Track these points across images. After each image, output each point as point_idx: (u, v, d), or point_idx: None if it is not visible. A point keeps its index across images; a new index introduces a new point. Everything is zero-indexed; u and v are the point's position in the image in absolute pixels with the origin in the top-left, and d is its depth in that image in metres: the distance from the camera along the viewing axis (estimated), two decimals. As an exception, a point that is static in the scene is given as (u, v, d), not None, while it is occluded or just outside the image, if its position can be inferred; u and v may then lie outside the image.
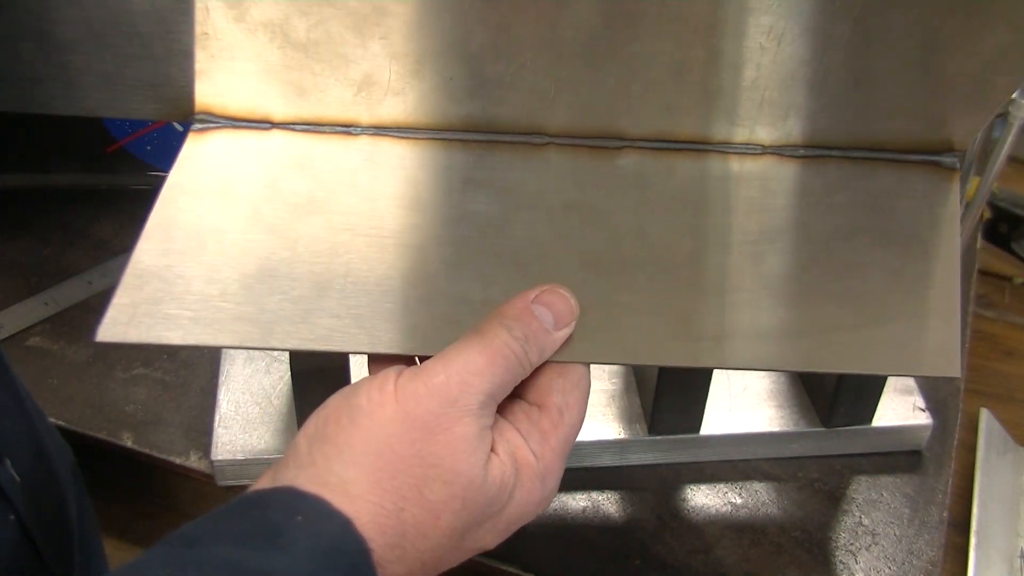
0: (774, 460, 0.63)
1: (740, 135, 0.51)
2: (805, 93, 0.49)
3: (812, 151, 0.52)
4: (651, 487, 0.61)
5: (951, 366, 0.45)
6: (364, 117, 0.51)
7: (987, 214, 0.82)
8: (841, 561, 0.57)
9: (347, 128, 0.52)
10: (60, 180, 0.80)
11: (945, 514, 0.60)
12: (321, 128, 0.52)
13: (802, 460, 0.63)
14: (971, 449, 0.67)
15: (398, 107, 0.51)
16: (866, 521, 0.59)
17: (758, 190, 0.50)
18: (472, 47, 0.48)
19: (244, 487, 0.59)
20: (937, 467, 0.62)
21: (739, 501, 0.60)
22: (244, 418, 0.61)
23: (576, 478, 0.61)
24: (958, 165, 0.51)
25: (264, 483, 0.38)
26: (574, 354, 0.43)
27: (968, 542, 0.61)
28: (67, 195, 0.80)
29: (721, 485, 0.61)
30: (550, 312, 0.42)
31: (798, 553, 0.58)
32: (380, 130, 0.51)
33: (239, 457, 0.59)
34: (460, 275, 0.46)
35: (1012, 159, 0.60)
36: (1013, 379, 0.75)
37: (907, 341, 0.45)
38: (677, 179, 0.51)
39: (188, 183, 0.49)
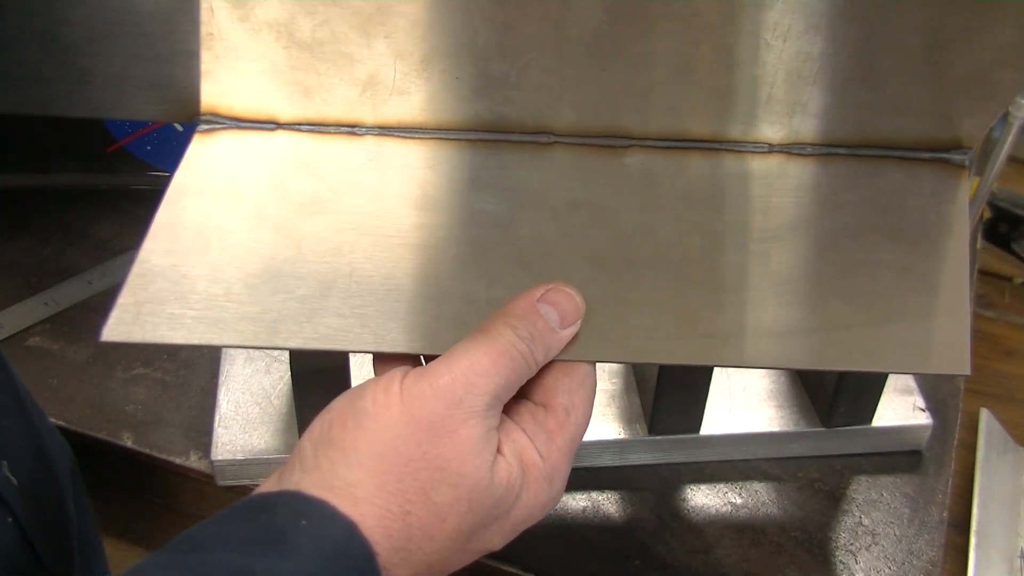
0: (774, 460, 0.63)
1: (747, 133, 0.51)
2: (812, 90, 0.49)
3: (820, 149, 0.52)
4: (651, 487, 0.61)
5: (961, 364, 0.44)
6: (369, 117, 0.51)
7: (987, 214, 0.82)
8: (841, 561, 0.57)
9: (352, 128, 0.52)
10: (60, 180, 0.80)
11: (945, 514, 0.60)
12: (326, 128, 0.52)
13: (802, 460, 0.63)
14: (971, 449, 0.67)
15: (403, 107, 0.51)
16: (866, 521, 0.59)
17: (766, 188, 0.50)
18: (478, 46, 0.48)
19: (244, 487, 0.60)
20: (937, 467, 0.62)
21: (739, 501, 0.60)
22: (244, 418, 0.61)
23: (576, 478, 0.61)
24: (967, 162, 0.51)
25: (269, 486, 0.38)
26: (580, 352, 0.43)
27: (968, 542, 0.61)
28: (67, 195, 0.80)
29: (721, 485, 0.61)
30: (556, 310, 0.41)
31: (798, 553, 0.58)
32: (385, 130, 0.52)
33: (239, 457, 0.59)
34: (466, 274, 0.46)
35: (1012, 159, 0.60)
36: (1013, 379, 0.75)
37: (916, 339, 0.45)
38: (684, 178, 0.51)
39: (193, 183, 0.49)
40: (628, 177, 0.51)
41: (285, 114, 0.51)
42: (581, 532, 0.58)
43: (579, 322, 0.42)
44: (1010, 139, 0.57)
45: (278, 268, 0.46)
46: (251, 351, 0.65)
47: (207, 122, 0.51)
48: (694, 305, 0.46)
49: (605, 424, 0.61)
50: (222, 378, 0.63)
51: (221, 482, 0.60)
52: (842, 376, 0.59)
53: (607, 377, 0.64)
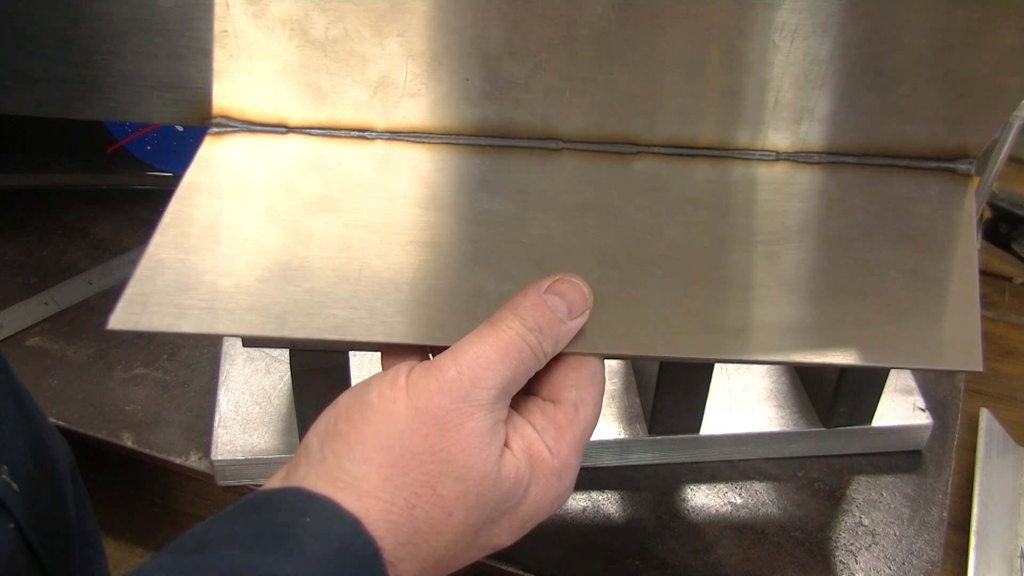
0: (774, 460, 0.63)
1: (754, 140, 0.51)
2: (819, 95, 0.49)
3: (826, 158, 0.52)
4: (651, 487, 0.61)
5: (973, 360, 0.44)
6: (379, 121, 0.51)
7: (987, 214, 0.82)
8: (841, 561, 0.57)
9: (362, 133, 0.52)
10: (60, 180, 0.80)
11: (945, 514, 0.60)
12: (337, 133, 0.52)
13: (802, 460, 0.63)
14: (971, 449, 0.67)
15: (414, 110, 0.51)
16: (866, 521, 0.59)
17: (774, 193, 0.51)
18: (488, 45, 0.48)
19: (244, 487, 0.60)
20: (937, 467, 0.62)
21: (739, 501, 0.60)
22: (244, 418, 0.61)
23: (576, 478, 0.61)
24: (972, 171, 0.51)
25: (275, 482, 0.38)
26: (589, 346, 0.43)
27: (968, 542, 0.61)
28: (67, 195, 0.80)
29: (721, 485, 0.61)
30: (563, 301, 0.41)
31: (798, 553, 0.58)
32: (395, 135, 0.52)
33: (239, 457, 0.59)
34: (475, 270, 0.46)
35: (1012, 159, 0.60)
36: (1013, 379, 0.75)
37: (927, 336, 0.45)
38: (692, 183, 0.51)
39: (204, 182, 0.49)
40: (636, 181, 0.51)
41: (296, 117, 0.51)
42: (581, 532, 0.58)
43: (587, 313, 0.42)
44: (1010, 139, 0.58)
45: (287, 262, 0.46)
46: (251, 351, 0.65)
47: (218, 125, 0.52)
48: (705, 301, 0.46)
49: (605, 424, 0.61)
50: (222, 378, 0.63)
51: (221, 482, 0.60)
52: (842, 376, 0.59)
53: (607, 377, 0.64)
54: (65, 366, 0.67)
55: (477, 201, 0.49)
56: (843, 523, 0.59)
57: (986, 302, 0.81)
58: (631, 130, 0.51)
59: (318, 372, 0.54)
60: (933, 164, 0.51)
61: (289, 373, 0.57)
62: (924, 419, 0.62)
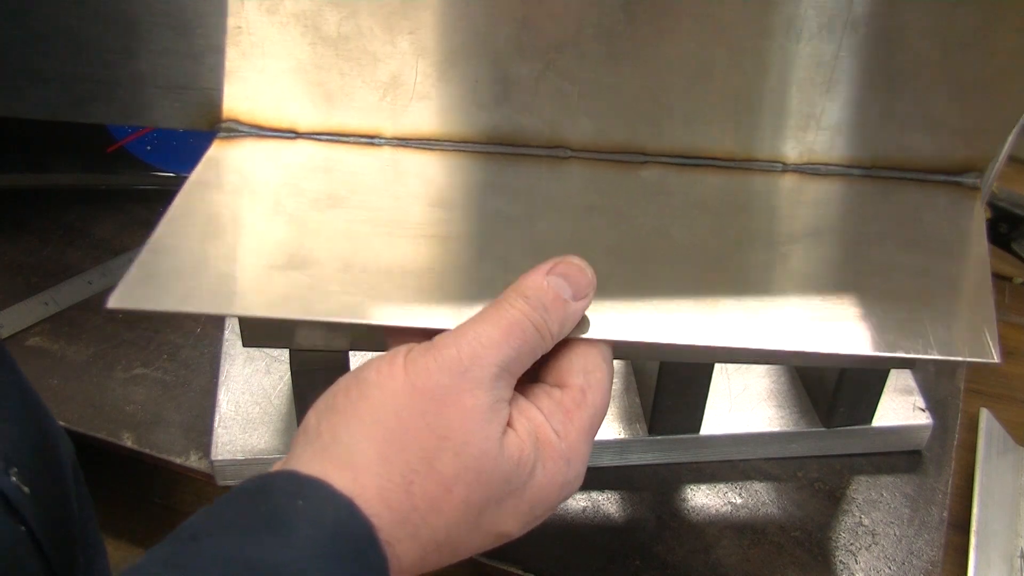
0: (774, 460, 0.63)
1: (762, 150, 0.52)
2: (825, 101, 0.50)
3: (834, 170, 0.52)
4: (651, 487, 0.61)
5: (988, 352, 0.44)
6: (388, 127, 0.52)
7: (987, 214, 0.82)
8: (841, 561, 0.57)
9: (371, 139, 0.52)
10: (60, 180, 0.80)
11: (945, 514, 0.60)
12: (345, 139, 0.52)
13: (802, 460, 0.63)
14: (971, 449, 0.67)
15: (422, 115, 0.51)
16: (866, 521, 0.59)
17: (782, 199, 0.51)
18: (498, 44, 0.48)
19: (244, 487, 0.60)
20: (937, 467, 0.62)
21: (739, 501, 0.60)
22: (244, 418, 0.61)
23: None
24: (979, 184, 0.51)
25: (277, 465, 0.38)
26: (596, 331, 0.42)
27: (968, 542, 0.61)
28: (67, 195, 0.80)
29: (721, 485, 0.61)
30: (567, 282, 0.41)
31: (798, 553, 0.58)
32: (403, 142, 0.52)
33: (239, 457, 0.59)
34: (483, 261, 0.46)
35: (1012, 159, 0.60)
36: (1013, 379, 0.75)
37: (943, 329, 0.45)
38: (700, 190, 0.51)
39: (211, 180, 0.50)
40: (644, 188, 0.51)
41: (305, 123, 0.52)
42: (581, 532, 0.58)
43: (591, 295, 0.41)
44: (1010, 139, 0.57)
45: (292, 251, 0.46)
46: (251, 351, 0.65)
47: (228, 130, 0.52)
48: (714, 292, 0.46)
49: (605, 424, 0.61)
50: (222, 378, 0.63)
51: (221, 482, 0.60)
52: (842, 376, 0.59)
53: (607, 377, 0.64)
54: (65, 366, 0.67)
55: (485, 201, 0.50)
56: (843, 523, 0.59)
57: (986, 302, 0.81)
58: (638, 139, 0.51)
59: (318, 372, 0.54)
60: (940, 177, 0.52)
61: (289, 373, 0.57)
62: (924, 419, 0.62)
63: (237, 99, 0.51)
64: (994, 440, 0.68)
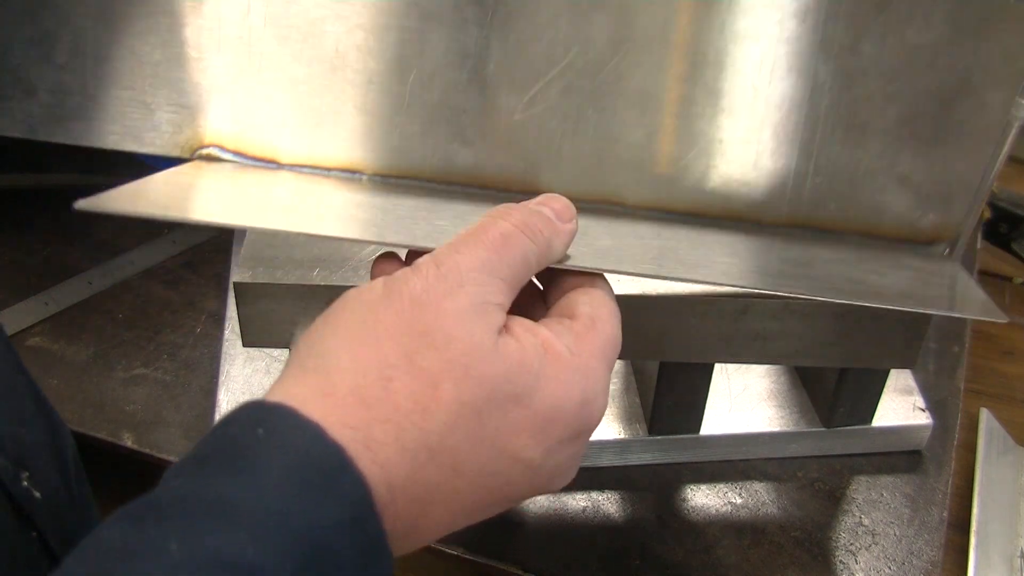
0: (774, 460, 0.63)
1: (736, 208, 0.51)
2: (798, 151, 0.49)
3: (807, 232, 0.52)
4: (651, 487, 0.61)
5: (992, 311, 0.44)
6: (369, 163, 0.52)
7: (987, 214, 0.82)
8: (841, 561, 0.57)
9: (352, 174, 0.52)
10: (60, 180, 0.80)
11: (945, 514, 0.60)
12: (328, 173, 0.52)
13: (802, 460, 0.63)
14: (971, 449, 0.67)
15: (405, 147, 0.51)
16: (866, 521, 0.59)
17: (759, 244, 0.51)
18: (488, 72, 0.49)
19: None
20: (937, 467, 0.62)
21: (739, 501, 0.60)
22: (244, 418, 0.61)
23: (576, 478, 0.60)
24: (947, 252, 0.51)
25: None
26: (589, 260, 0.42)
27: (968, 542, 0.61)
28: (67, 195, 0.80)
29: (721, 485, 0.61)
30: (549, 207, 0.40)
31: (798, 553, 0.58)
32: (385, 179, 0.52)
33: (239, 457, 0.59)
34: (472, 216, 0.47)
35: (1012, 159, 0.60)
36: (1013, 379, 0.75)
37: (942, 293, 0.46)
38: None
39: (185, 171, 0.51)
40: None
41: (288, 154, 0.52)
42: (581, 532, 0.58)
43: (575, 221, 0.41)
44: (1010, 139, 0.57)
45: (263, 198, 0.48)
46: (251, 351, 0.65)
47: (208, 158, 0.52)
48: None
49: (605, 424, 0.61)
50: (222, 378, 0.63)
51: (221, 482, 0.60)
52: (842, 376, 0.59)
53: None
54: (65, 366, 0.67)
55: (469, 210, 0.50)
56: (843, 523, 0.59)
57: (986, 302, 0.81)
58: (619, 192, 0.51)
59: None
60: (907, 247, 0.51)
61: (289, 373, 0.57)
62: (924, 419, 0.62)
63: (224, 120, 0.51)
64: (994, 440, 0.68)
